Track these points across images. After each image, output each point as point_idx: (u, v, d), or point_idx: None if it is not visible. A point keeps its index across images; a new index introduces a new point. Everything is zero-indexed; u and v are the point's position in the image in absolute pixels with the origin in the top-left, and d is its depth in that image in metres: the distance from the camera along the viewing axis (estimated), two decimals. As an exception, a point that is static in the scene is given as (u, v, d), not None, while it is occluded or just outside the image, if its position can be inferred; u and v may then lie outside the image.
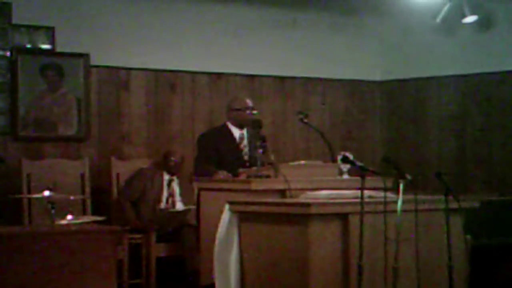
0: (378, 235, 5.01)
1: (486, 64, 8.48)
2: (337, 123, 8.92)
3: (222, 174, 6.24)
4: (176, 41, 8.01)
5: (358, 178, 5.13)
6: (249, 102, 6.69)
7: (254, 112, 6.64)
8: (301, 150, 8.56)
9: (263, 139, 6.17)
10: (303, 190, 5.69)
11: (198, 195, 6.35)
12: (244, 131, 6.66)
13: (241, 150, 6.61)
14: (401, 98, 9.08)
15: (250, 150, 6.60)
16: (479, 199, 5.90)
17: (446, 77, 8.77)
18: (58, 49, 7.48)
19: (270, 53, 8.48)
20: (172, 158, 7.44)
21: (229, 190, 5.92)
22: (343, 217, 5.06)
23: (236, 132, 6.64)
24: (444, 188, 5.15)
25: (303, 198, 5.48)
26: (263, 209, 5.33)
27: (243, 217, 5.41)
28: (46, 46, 7.46)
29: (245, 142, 6.64)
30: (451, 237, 5.14)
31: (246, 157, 6.58)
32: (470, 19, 8.32)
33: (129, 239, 6.93)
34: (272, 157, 6.15)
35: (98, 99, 7.72)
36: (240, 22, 8.36)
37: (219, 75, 8.28)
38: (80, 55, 7.56)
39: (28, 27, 7.39)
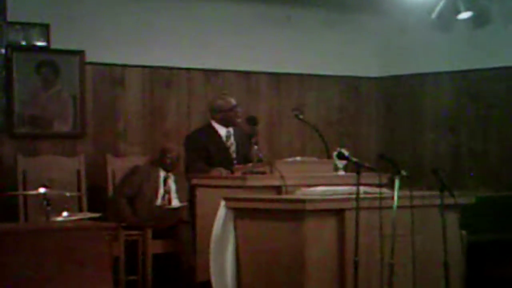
0: (374, 231, 5.02)
1: (482, 60, 8.48)
2: (332, 120, 8.92)
3: (219, 171, 6.26)
4: (171, 38, 8.00)
5: (354, 174, 5.14)
6: (233, 102, 6.77)
7: (239, 110, 6.71)
8: (297, 146, 8.56)
9: (255, 134, 6.22)
10: (298, 186, 5.69)
11: (192, 192, 6.37)
12: (230, 129, 6.71)
13: (228, 148, 6.66)
14: (396, 95, 9.09)
15: (237, 148, 6.65)
16: (474, 195, 5.92)
17: (442, 73, 8.77)
18: (53, 46, 7.48)
19: (266, 50, 8.47)
20: (168, 155, 7.43)
21: (225, 186, 5.93)
22: (339, 213, 5.07)
23: (222, 131, 6.70)
24: (440, 184, 5.15)
25: (299, 194, 5.49)
26: (258, 205, 5.33)
27: (239, 213, 5.41)
28: (41, 43, 7.46)
29: (231, 140, 6.69)
30: (447, 233, 5.14)
31: (234, 155, 6.63)
32: (465, 15, 8.33)
33: (125, 235, 6.92)
34: (260, 153, 6.17)
35: (93, 96, 7.72)
36: (236, 19, 8.35)
37: (214, 72, 8.28)
38: (75, 52, 7.55)
39: (23, 24, 7.38)
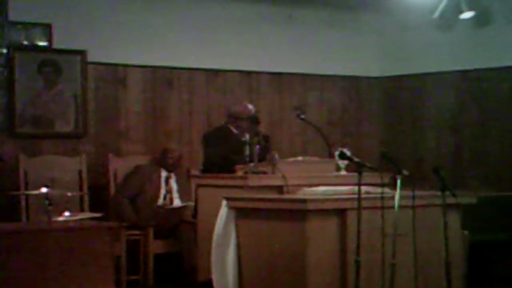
0: (376, 231, 5.02)
1: (484, 60, 8.48)
2: (334, 119, 8.92)
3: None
4: (173, 37, 8.00)
5: (356, 174, 5.13)
6: (252, 109, 6.69)
7: (258, 116, 6.65)
8: (298, 146, 8.56)
9: (266, 139, 6.19)
10: (300, 186, 5.69)
11: (197, 192, 6.37)
12: (246, 136, 6.66)
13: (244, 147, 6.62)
14: (398, 94, 9.08)
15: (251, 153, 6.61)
16: (476, 195, 5.91)
17: (444, 73, 8.77)
18: (55, 46, 7.48)
19: (267, 50, 8.48)
20: (170, 155, 7.44)
21: (226, 186, 5.92)
22: (341, 213, 5.07)
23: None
24: (442, 184, 5.15)
25: (301, 194, 5.49)
26: (260, 205, 5.33)
27: (241, 213, 5.41)
28: (43, 43, 7.46)
29: (247, 146, 6.64)
30: (449, 233, 5.14)
31: (247, 159, 6.59)
32: (467, 15, 8.32)
33: (127, 235, 6.92)
34: (276, 156, 6.15)
35: (95, 96, 7.72)
36: (237, 18, 8.35)
37: (216, 71, 8.28)
38: (77, 51, 7.55)
39: (25, 24, 7.38)
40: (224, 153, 6.42)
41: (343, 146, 6.06)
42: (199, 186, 6.32)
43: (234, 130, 6.66)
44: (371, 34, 8.99)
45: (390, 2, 8.36)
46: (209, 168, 6.46)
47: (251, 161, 6.40)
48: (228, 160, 6.31)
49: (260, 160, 6.18)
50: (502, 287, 7.16)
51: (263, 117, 7.70)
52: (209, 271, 5.53)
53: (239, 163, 6.18)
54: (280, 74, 8.64)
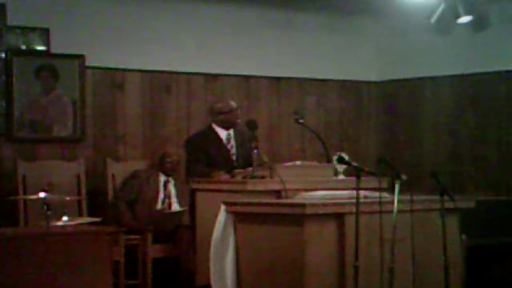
0: (374, 235, 5.03)
1: (481, 64, 8.48)
2: (332, 124, 8.92)
3: (219, 174, 6.28)
4: (171, 42, 8.00)
5: (354, 178, 5.14)
6: (234, 104, 6.88)
7: (239, 112, 6.82)
8: (297, 150, 8.56)
9: (255, 140, 6.23)
10: (298, 190, 5.70)
11: (193, 196, 6.38)
12: (231, 132, 6.77)
13: (229, 151, 6.70)
14: (396, 98, 9.09)
15: (237, 150, 6.70)
16: (474, 199, 5.92)
17: (441, 77, 8.77)
18: (53, 50, 7.47)
19: (266, 54, 8.48)
20: (168, 160, 7.44)
21: (225, 191, 5.93)
22: (339, 218, 5.08)
23: (222, 133, 6.76)
24: (440, 188, 5.16)
25: (299, 198, 5.49)
26: (258, 209, 5.34)
27: (239, 217, 5.41)
28: (41, 48, 7.45)
29: (232, 142, 6.75)
30: (447, 237, 5.14)
31: (234, 157, 6.67)
32: (464, 19, 8.33)
33: (125, 240, 6.92)
34: (265, 158, 6.18)
35: (93, 100, 7.71)
36: (236, 23, 8.36)
37: (214, 76, 8.28)
38: (75, 56, 7.55)
39: (23, 28, 7.37)
40: (204, 166, 6.52)
41: (341, 151, 6.07)
42: (197, 190, 6.33)
43: (218, 129, 6.72)
44: (369, 38, 8.99)
45: (388, 6, 8.37)
46: (191, 175, 6.58)
47: (233, 167, 6.49)
48: (208, 174, 6.39)
49: (250, 164, 6.22)
50: (500, 291, 7.16)
51: (261, 122, 7.71)
52: (207, 275, 5.53)
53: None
54: (278, 78, 8.64)
